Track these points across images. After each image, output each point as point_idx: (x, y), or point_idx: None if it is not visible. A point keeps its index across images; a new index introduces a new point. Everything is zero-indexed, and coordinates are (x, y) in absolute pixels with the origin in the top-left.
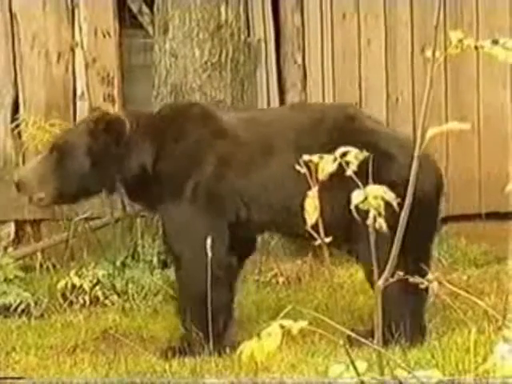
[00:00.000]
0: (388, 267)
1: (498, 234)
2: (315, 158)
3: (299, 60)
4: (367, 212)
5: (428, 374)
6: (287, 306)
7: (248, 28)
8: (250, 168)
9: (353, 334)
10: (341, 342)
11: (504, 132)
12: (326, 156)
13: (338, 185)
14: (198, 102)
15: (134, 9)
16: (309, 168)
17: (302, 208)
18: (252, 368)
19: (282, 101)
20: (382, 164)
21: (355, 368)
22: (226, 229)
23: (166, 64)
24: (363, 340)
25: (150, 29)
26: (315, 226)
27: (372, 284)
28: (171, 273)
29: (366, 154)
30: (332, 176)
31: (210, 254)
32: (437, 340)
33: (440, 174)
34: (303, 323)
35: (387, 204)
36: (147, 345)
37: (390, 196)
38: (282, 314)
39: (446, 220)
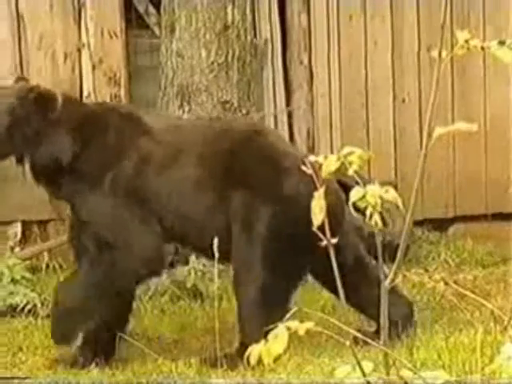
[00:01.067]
0: (393, 268)
1: (505, 235)
2: (320, 158)
3: (306, 61)
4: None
5: (434, 375)
6: (293, 307)
7: (254, 29)
8: (163, 171)
9: (359, 335)
10: (347, 343)
11: (511, 133)
12: (329, 156)
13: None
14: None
15: (141, 9)
16: (313, 168)
17: (200, 221)
18: (258, 368)
19: (288, 102)
20: (279, 178)
21: (361, 368)
22: (153, 222)
23: (173, 64)
24: (369, 340)
25: (156, 29)
26: (321, 227)
27: (236, 287)
28: (179, 272)
29: (370, 153)
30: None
31: (216, 254)
32: (443, 340)
33: (338, 198)
34: (310, 324)
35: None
36: (153, 345)
37: (393, 196)
38: (288, 315)
39: (452, 221)
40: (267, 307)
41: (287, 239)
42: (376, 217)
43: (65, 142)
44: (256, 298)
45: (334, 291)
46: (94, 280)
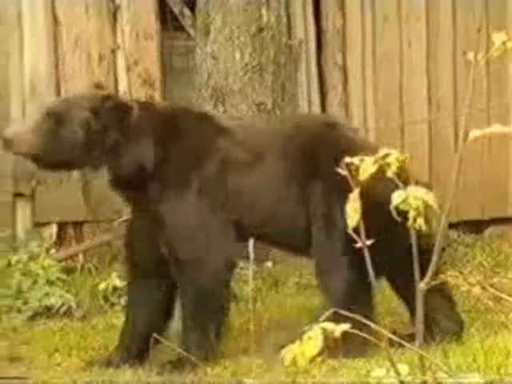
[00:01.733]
0: (429, 270)
1: None
2: (356, 160)
3: (340, 62)
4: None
5: (470, 378)
6: (328, 308)
7: (289, 30)
8: (245, 171)
9: (394, 337)
10: (382, 345)
11: None
12: (366, 158)
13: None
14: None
15: (176, 11)
16: (349, 170)
17: (281, 217)
18: (293, 370)
19: (322, 103)
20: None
21: (397, 371)
22: (231, 227)
23: (207, 67)
24: (405, 343)
25: (191, 31)
26: (356, 229)
27: (321, 283)
28: None
29: (406, 155)
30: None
31: (252, 255)
32: (479, 343)
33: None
34: (345, 326)
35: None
36: None
37: (431, 198)
38: (323, 317)
39: (488, 223)
40: (352, 302)
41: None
42: (420, 220)
43: (146, 148)
44: (340, 292)
45: (397, 287)
46: (195, 296)
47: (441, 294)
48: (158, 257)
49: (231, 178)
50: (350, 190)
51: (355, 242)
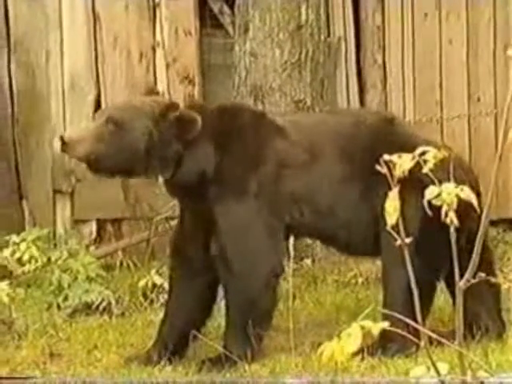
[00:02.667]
0: (469, 269)
1: None
2: (394, 157)
3: (379, 59)
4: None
5: (510, 376)
6: (367, 306)
7: (328, 28)
8: (303, 170)
9: (434, 335)
10: (421, 343)
11: None
12: (404, 155)
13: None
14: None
15: (215, 9)
16: (389, 168)
17: (344, 217)
18: (332, 368)
19: (361, 100)
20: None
21: (437, 370)
22: (283, 231)
23: (246, 64)
24: (445, 341)
25: (230, 29)
26: (395, 227)
27: (384, 283)
28: None
29: (445, 153)
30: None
31: (292, 253)
32: None
33: (475, 178)
34: (384, 324)
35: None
36: None
37: (468, 195)
38: (362, 315)
39: None
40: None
41: (438, 232)
42: (451, 214)
43: (207, 156)
44: (404, 295)
45: (449, 284)
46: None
47: (488, 292)
48: (204, 256)
49: (290, 179)
50: (417, 188)
51: (424, 242)
